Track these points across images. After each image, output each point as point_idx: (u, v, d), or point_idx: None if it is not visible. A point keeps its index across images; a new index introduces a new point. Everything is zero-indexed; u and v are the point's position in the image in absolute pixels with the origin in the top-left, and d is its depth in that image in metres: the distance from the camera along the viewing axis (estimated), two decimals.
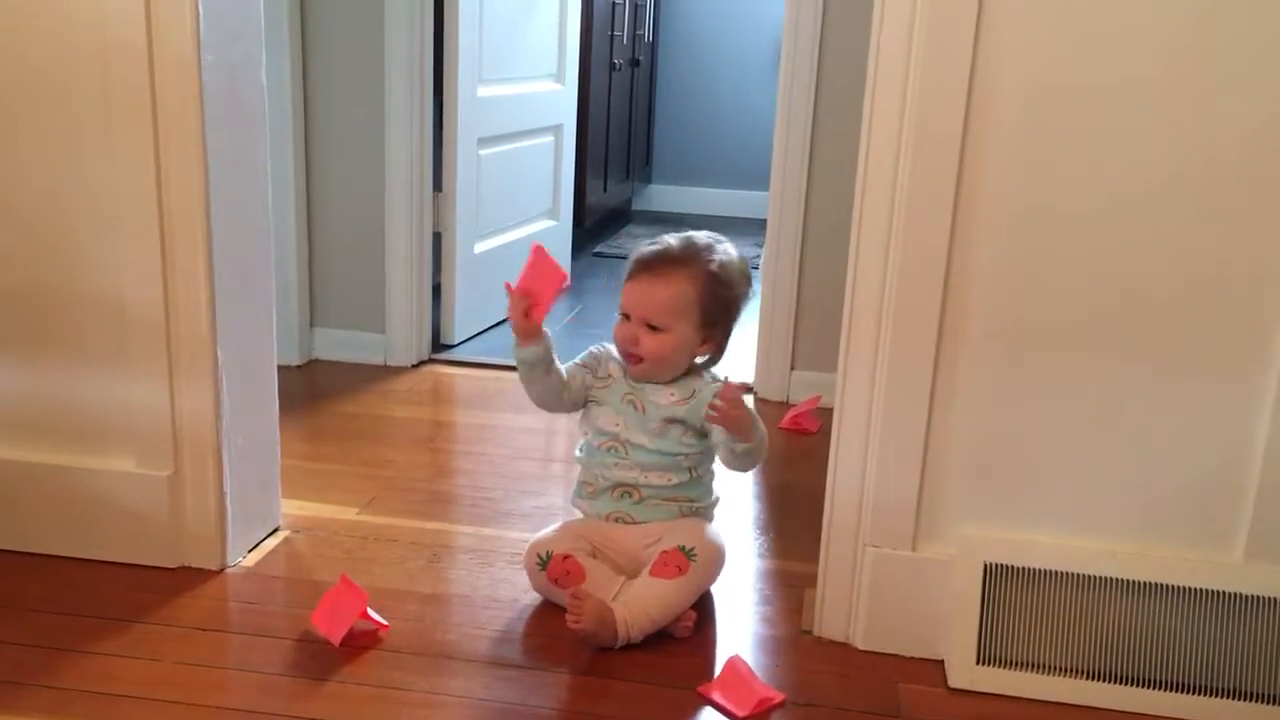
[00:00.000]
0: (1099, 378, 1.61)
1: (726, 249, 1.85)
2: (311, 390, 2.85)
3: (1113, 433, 1.63)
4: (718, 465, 1.88)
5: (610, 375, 1.87)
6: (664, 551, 1.75)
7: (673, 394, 1.83)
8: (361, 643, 1.68)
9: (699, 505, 1.87)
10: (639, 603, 1.70)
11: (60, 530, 1.90)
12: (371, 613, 1.71)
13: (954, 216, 1.58)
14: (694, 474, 1.86)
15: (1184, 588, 1.61)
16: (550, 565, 1.76)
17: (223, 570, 1.89)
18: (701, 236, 1.85)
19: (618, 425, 1.83)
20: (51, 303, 1.85)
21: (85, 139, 1.77)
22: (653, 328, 1.78)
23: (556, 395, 1.86)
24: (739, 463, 1.81)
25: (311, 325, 3.05)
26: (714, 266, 1.80)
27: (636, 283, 1.80)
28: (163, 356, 1.82)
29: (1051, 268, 1.59)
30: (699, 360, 1.86)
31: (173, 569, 1.89)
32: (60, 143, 1.78)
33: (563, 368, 1.87)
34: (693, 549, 1.75)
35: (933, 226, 1.59)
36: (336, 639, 1.67)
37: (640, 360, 1.80)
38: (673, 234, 1.86)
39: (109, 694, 1.56)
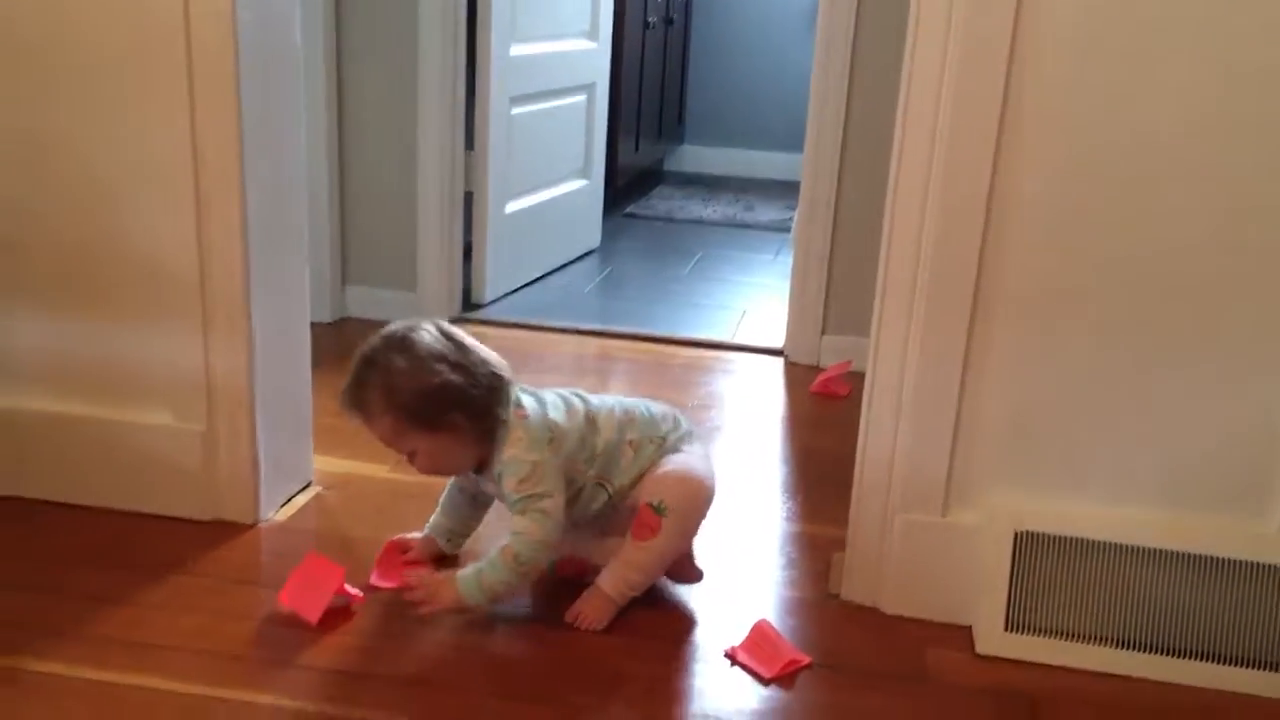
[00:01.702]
0: (1134, 345, 1.60)
1: (395, 355, 1.61)
2: (343, 348, 2.82)
3: (1147, 401, 1.61)
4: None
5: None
6: (638, 510, 1.68)
7: (490, 483, 1.70)
8: (338, 621, 1.64)
9: (637, 473, 1.71)
10: (621, 570, 1.67)
11: (98, 482, 1.93)
12: (348, 586, 1.67)
13: (992, 181, 1.56)
14: (605, 486, 1.70)
15: (1216, 558, 1.60)
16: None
17: (256, 525, 1.92)
18: (368, 353, 1.64)
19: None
20: (89, 259, 1.86)
21: (121, 97, 1.78)
22: (408, 453, 1.67)
23: (475, 505, 1.82)
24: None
25: (343, 283, 3.06)
26: (388, 390, 1.60)
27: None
28: (197, 313, 1.84)
29: (1089, 235, 1.57)
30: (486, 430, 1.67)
31: (207, 522, 1.91)
32: (95, 100, 1.79)
33: (441, 506, 1.83)
34: (661, 503, 1.65)
35: (970, 190, 1.57)
36: (314, 617, 1.62)
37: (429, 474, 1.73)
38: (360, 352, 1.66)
39: (145, 643, 1.58)
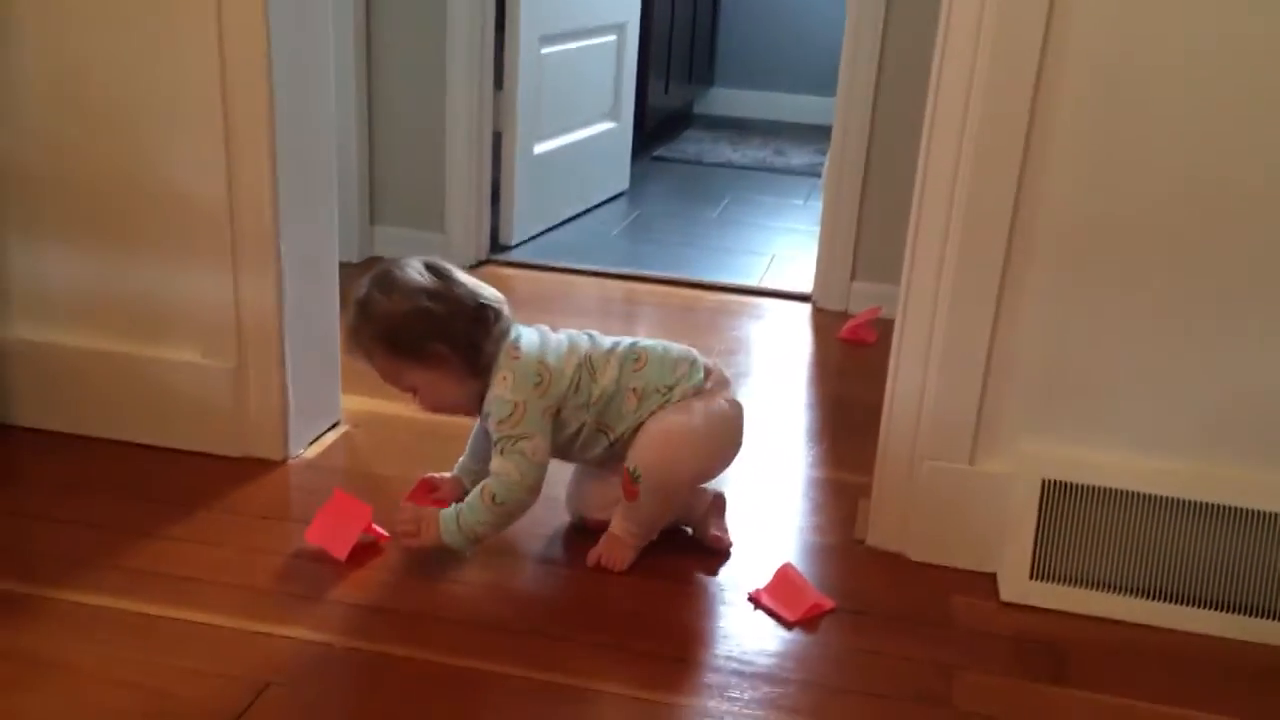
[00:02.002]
0: (1169, 294, 1.57)
1: (378, 290, 1.62)
2: None
3: (1180, 351, 1.59)
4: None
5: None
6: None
7: (489, 419, 1.66)
8: (366, 557, 1.66)
9: (635, 424, 1.67)
10: (621, 520, 1.68)
11: (130, 417, 1.95)
12: (375, 526, 1.69)
13: (1030, 123, 1.54)
14: (605, 433, 1.68)
15: (1246, 509, 1.59)
16: (588, 522, 1.77)
17: (285, 461, 1.93)
18: (357, 293, 1.64)
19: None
20: (119, 194, 1.86)
21: (148, 30, 1.77)
22: (409, 389, 1.68)
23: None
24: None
25: (371, 222, 3.06)
26: (373, 323, 1.61)
27: None
28: (227, 250, 1.84)
29: (1126, 179, 1.54)
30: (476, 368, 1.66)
31: (237, 459, 1.93)
32: (123, 34, 1.78)
33: (468, 448, 1.82)
34: (635, 469, 1.62)
35: (1007, 133, 1.54)
36: (342, 554, 1.64)
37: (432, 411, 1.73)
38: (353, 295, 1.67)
39: (176, 576, 1.60)
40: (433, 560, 1.66)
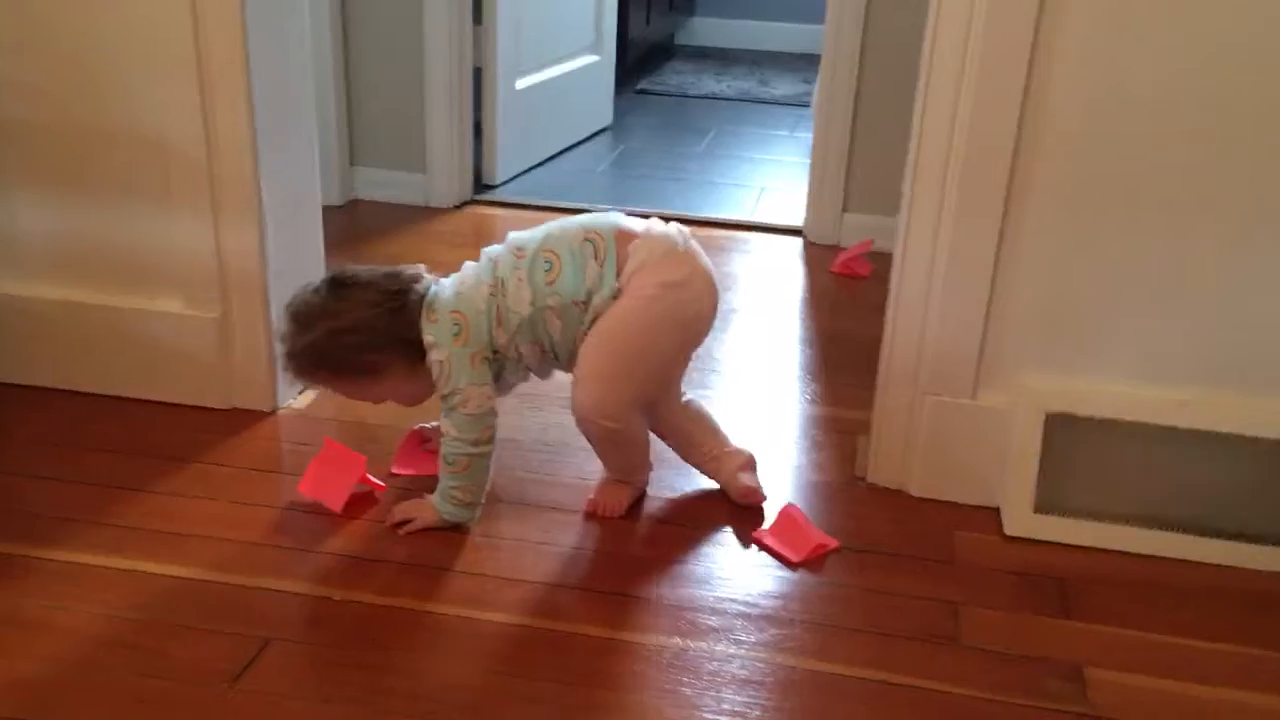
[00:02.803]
0: (1175, 223, 1.54)
1: (293, 333, 1.58)
2: (354, 231, 2.81)
3: (1182, 280, 1.56)
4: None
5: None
6: None
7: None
8: (361, 508, 1.64)
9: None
10: (605, 478, 1.68)
11: (114, 371, 1.91)
12: (369, 476, 1.67)
13: (1032, 53, 1.49)
14: (547, 352, 1.60)
15: (1249, 437, 1.57)
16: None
17: (274, 412, 1.90)
18: (280, 341, 1.62)
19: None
20: (93, 141, 1.80)
21: None
22: (376, 400, 1.66)
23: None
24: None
25: (352, 164, 2.99)
26: (306, 362, 1.59)
27: None
28: (206, 195, 1.79)
29: (1133, 112, 1.50)
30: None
31: (225, 410, 1.89)
32: None
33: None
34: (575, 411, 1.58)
35: (1008, 66, 1.50)
36: (337, 505, 1.62)
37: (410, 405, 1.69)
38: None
39: (168, 532, 1.57)
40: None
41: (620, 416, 1.57)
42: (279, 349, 1.63)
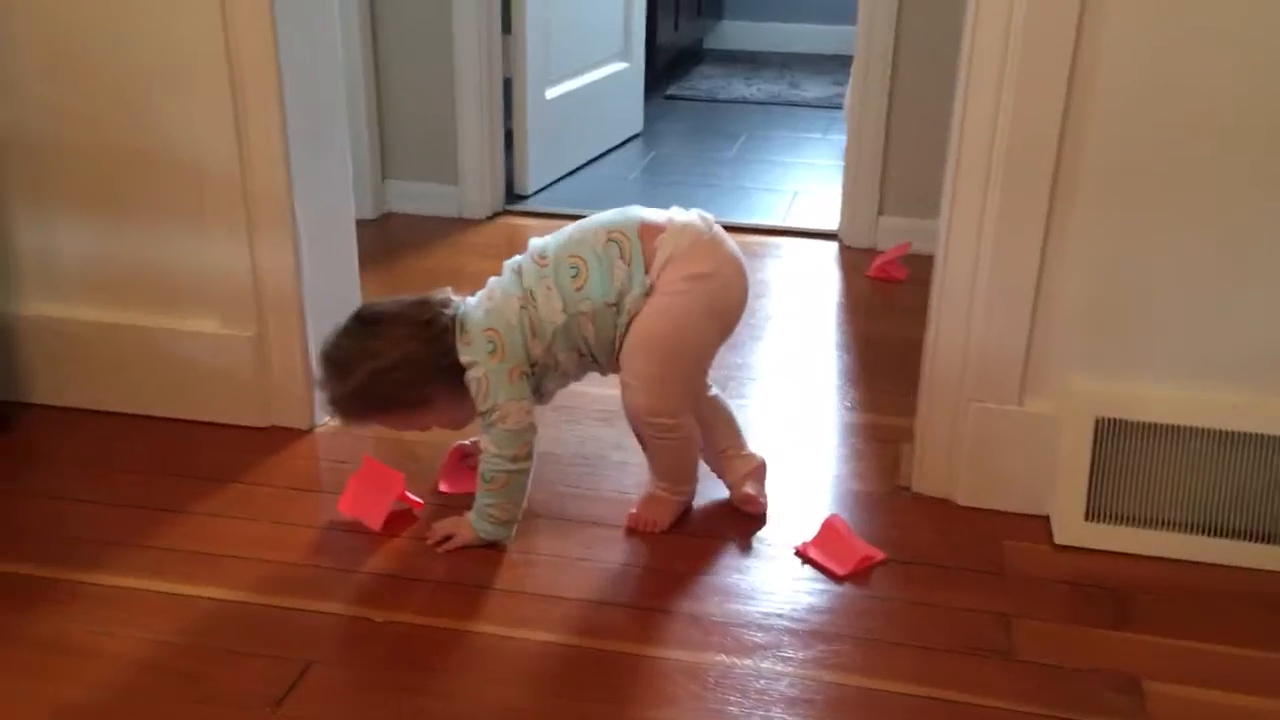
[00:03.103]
0: (1225, 220, 1.51)
1: (332, 378, 1.56)
2: (387, 244, 2.81)
3: (1237, 279, 1.53)
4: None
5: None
6: None
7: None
8: (400, 525, 1.62)
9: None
10: (651, 476, 1.64)
11: (150, 391, 1.91)
12: (408, 493, 1.65)
13: (1076, 46, 1.46)
14: (586, 356, 1.59)
15: None
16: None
17: (312, 430, 1.89)
18: (322, 390, 1.60)
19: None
20: (127, 162, 1.81)
21: None
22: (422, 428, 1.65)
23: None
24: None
25: (383, 178, 2.99)
26: (352, 406, 1.58)
27: None
28: (241, 214, 1.78)
29: (1182, 103, 1.47)
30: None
31: (263, 429, 1.88)
32: None
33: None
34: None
35: (1052, 62, 1.47)
36: (377, 524, 1.61)
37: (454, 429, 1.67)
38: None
39: (209, 553, 1.57)
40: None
41: (674, 412, 1.56)
42: (319, 396, 1.62)
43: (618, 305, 1.52)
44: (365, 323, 1.57)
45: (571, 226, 1.59)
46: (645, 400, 1.54)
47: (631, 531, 1.63)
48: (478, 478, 1.56)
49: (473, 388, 1.54)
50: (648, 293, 1.52)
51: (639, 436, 1.61)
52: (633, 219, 1.55)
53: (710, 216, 1.59)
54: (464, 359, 1.54)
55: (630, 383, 1.54)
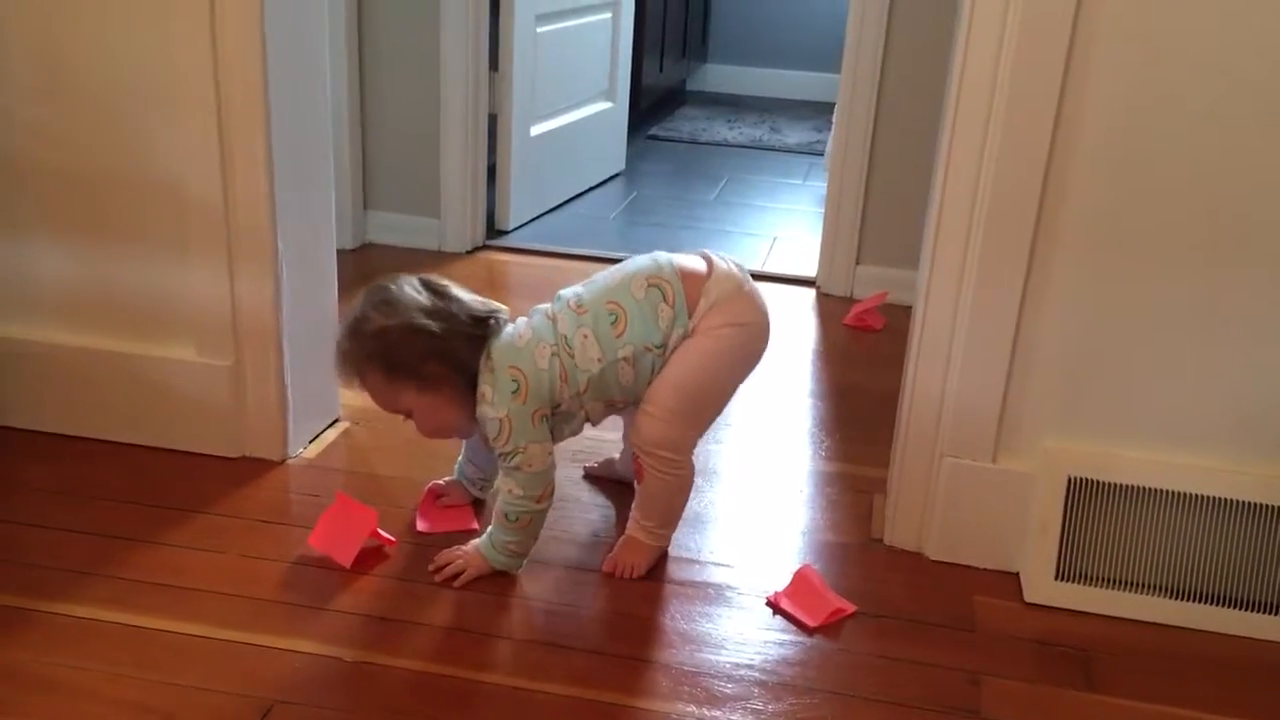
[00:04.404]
0: (1203, 285, 1.52)
1: (374, 310, 1.54)
2: (365, 275, 2.74)
3: (1211, 344, 1.54)
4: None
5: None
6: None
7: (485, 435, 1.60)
8: (370, 563, 1.61)
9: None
10: (637, 517, 1.64)
11: (124, 418, 1.89)
12: (380, 530, 1.64)
13: (1060, 103, 1.48)
14: (611, 405, 1.62)
15: (1278, 507, 1.54)
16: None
17: (284, 461, 1.87)
18: (352, 314, 1.57)
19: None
20: (111, 187, 1.80)
21: (141, 19, 1.70)
22: (405, 414, 1.59)
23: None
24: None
25: (365, 208, 2.99)
26: (369, 343, 1.53)
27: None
28: (222, 244, 1.77)
29: (1160, 167, 1.49)
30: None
31: (235, 459, 1.87)
32: (116, 23, 1.71)
33: (464, 451, 1.77)
34: (639, 455, 1.60)
35: (1036, 116, 1.49)
36: (347, 560, 1.59)
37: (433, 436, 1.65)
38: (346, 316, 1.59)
39: (175, 586, 1.55)
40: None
41: (685, 449, 1.60)
42: (339, 332, 1.58)
43: (663, 347, 1.56)
44: (434, 290, 1.56)
45: (602, 275, 1.62)
46: (663, 431, 1.56)
47: (608, 575, 1.63)
48: (497, 516, 1.57)
49: (492, 429, 1.54)
50: (688, 334, 1.56)
51: (637, 471, 1.61)
52: (670, 265, 1.58)
53: (744, 266, 1.63)
54: (483, 386, 1.54)
55: (653, 413, 1.56)
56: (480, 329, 1.55)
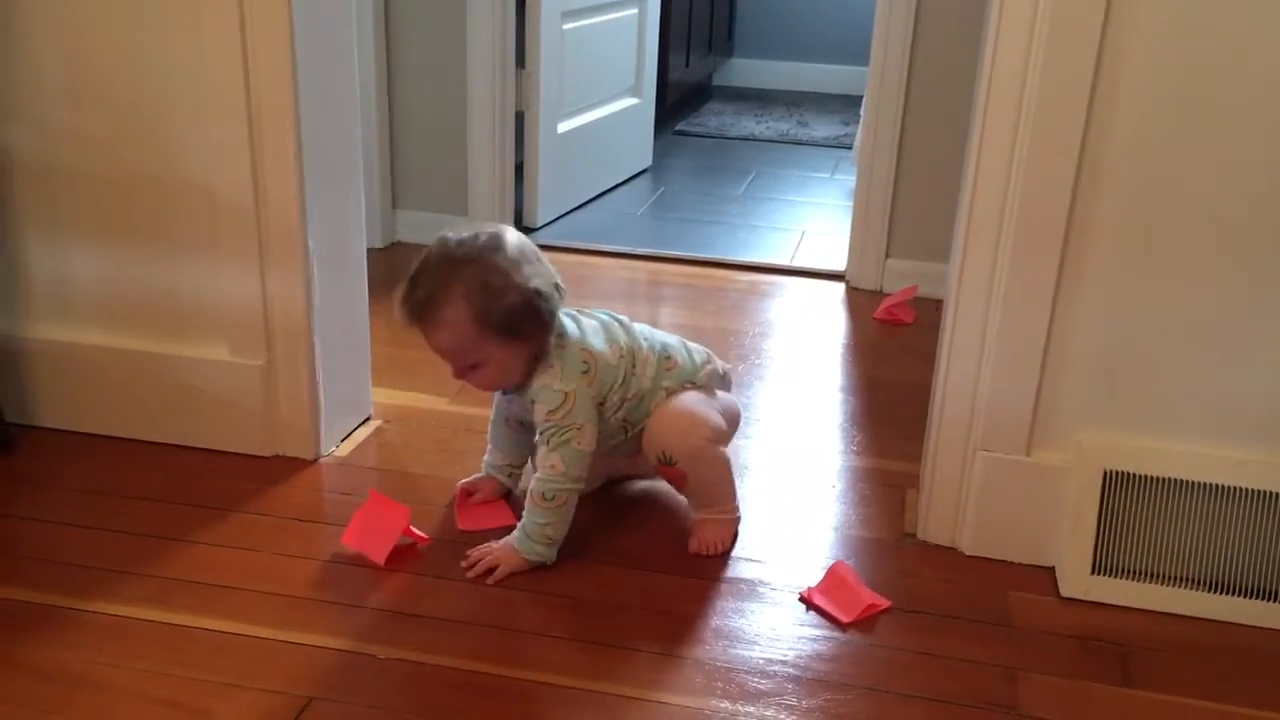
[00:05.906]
0: (1240, 274, 1.50)
1: (489, 255, 1.52)
2: (396, 274, 2.75)
3: (1246, 336, 1.53)
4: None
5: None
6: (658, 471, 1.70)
7: (520, 404, 1.65)
8: (403, 560, 1.61)
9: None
10: (701, 507, 1.70)
11: (157, 417, 1.90)
12: (413, 528, 1.65)
13: (1090, 101, 1.46)
14: (627, 427, 1.68)
15: None
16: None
17: (316, 460, 1.88)
18: (454, 247, 1.54)
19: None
20: (143, 190, 1.81)
21: (172, 25, 1.71)
22: (472, 365, 1.58)
23: (524, 431, 1.72)
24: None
25: (394, 207, 3.00)
26: (479, 292, 1.51)
27: (420, 333, 1.57)
28: (253, 244, 1.78)
29: (1194, 162, 1.47)
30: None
31: (268, 458, 1.88)
32: (148, 26, 1.72)
33: (491, 443, 1.80)
34: (665, 454, 1.63)
35: (1068, 110, 1.47)
36: (380, 558, 1.60)
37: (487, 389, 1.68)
38: (433, 247, 1.57)
39: (210, 584, 1.56)
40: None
41: (719, 429, 1.67)
42: (428, 267, 1.54)
43: (693, 381, 1.68)
44: (535, 252, 1.59)
45: (647, 329, 1.73)
46: (702, 414, 1.64)
47: (696, 555, 1.66)
48: (533, 499, 1.58)
49: (553, 400, 1.56)
50: (710, 380, 1.71)
51: (673, 480, 1.67)
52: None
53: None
54: (547, 361, 1.57)
55: (676, 409, 1.64)
56: (561, 296, 1.59)
